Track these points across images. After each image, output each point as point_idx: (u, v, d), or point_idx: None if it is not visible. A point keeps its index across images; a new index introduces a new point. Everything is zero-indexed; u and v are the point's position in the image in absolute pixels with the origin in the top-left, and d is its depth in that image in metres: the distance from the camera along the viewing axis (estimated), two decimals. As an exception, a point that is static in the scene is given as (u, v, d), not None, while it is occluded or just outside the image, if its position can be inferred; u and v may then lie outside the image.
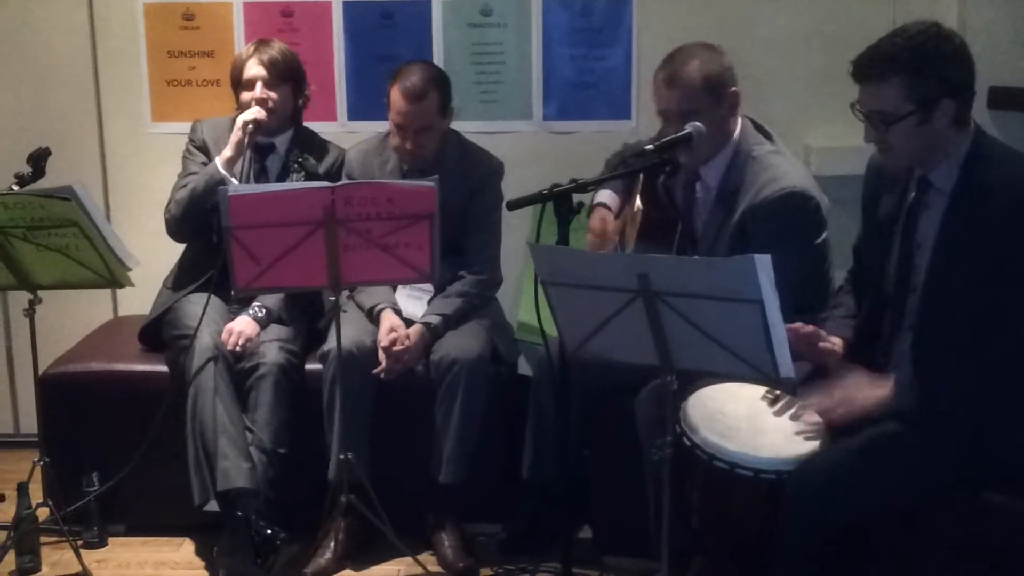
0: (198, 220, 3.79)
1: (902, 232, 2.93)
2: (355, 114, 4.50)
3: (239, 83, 3.90)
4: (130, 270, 3.51)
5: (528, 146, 4.46)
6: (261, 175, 3.94)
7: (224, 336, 3.71)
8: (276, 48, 3.93)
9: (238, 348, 3.69)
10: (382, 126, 4.00)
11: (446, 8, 4.46)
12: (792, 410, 2.91)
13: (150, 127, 4.50)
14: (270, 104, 3.86)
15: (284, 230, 3.23)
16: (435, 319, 3.78)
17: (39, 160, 3.61)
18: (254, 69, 3.87)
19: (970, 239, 2.75)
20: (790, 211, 3.26)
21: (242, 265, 3.26)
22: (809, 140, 4.42)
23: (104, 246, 3.39)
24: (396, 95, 3.78)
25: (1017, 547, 2.72)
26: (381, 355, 3.70)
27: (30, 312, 3.54)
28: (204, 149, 3.96)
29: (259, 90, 3.85)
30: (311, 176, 3.86)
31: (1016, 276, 2.70)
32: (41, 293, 3.55)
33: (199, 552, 3.74)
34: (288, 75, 3.92)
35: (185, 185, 3.87)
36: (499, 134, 4.44)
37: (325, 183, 3.41)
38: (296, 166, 3.91)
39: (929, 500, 2.75)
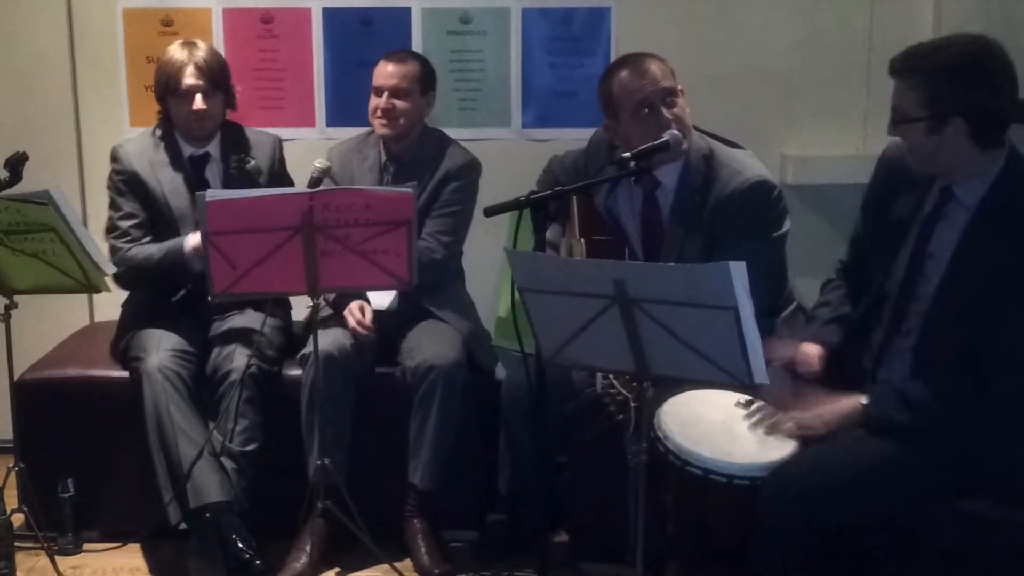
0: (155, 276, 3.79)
1: (916, 238, 2.92)
2: (334, 120, 4.50)
3: (174, 92, 3.76)
4: (107, 275, 3.50)
5: (506, 153, 4.47)
6: (203, 189, 3.75)
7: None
8: (206, 51, 3.82)
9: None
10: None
11: (426, 15, 4.47)
12: (766, 423, 2.92)
13: (128, 132, 4.48)
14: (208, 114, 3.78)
15: (262, 236, 3.22)
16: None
17: (16, 165, 3.59)
18: (191, 80, 3.74)
19: (989, 257, 2.76)
20: (758, 201, 3.30)
21: (219, 270, 3.25)
22: (785, 149, 4.44)
23: (81, 251, 3.38)
24: (379, 64, 3.92)
25: (993, 555, 2.74)
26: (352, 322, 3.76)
27: (6, 317, 3.53)
28: (134, 178, 3.84)
29: (199, 102, 3.74)
30: (253, 181, 3.82)
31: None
32: (17, 298, 3.53)
33: (174, 559, 3.72)
34: (222, 80, 3.83)
35: (128, 241, 3.78)
36: (478, 141, 4.43)
37: (303, 189, 3.42)
38: (235, 171, 3.85)
39: (904, 507, 2.77)
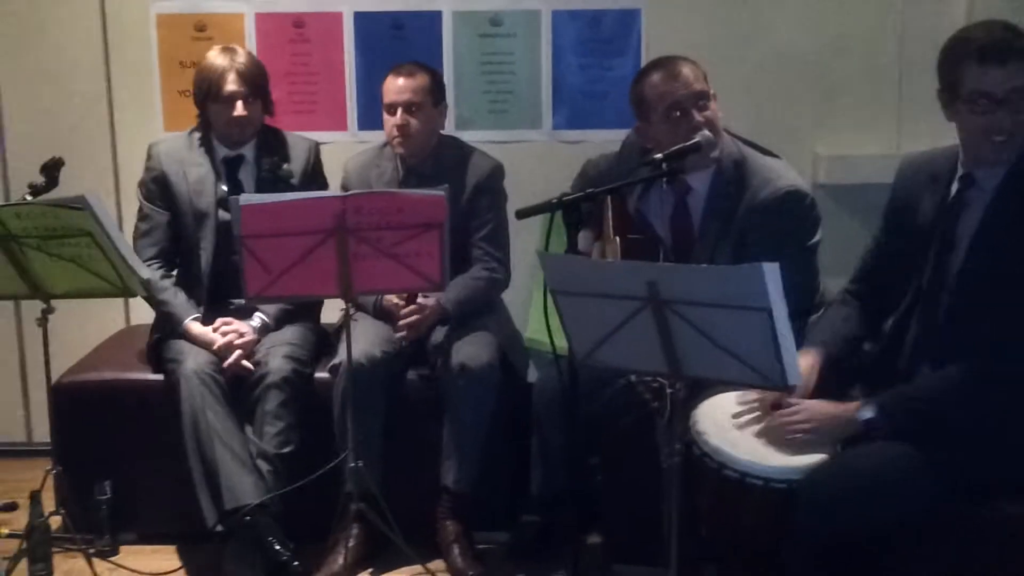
0: None
1: (941, 229, 2.91)
2: (365, 124, 4.52)
3: (216, 97, 3.80)
4: (143, 279, 3.53)
5: (538, 155, 4.48)
6: (236, 192, 3.83)
7: (223, 338, 3.73)
8: (246, 57, 3.85)
9: (234, 351, 3.72)
10: (391, 135, 4.04)
11: (456, 19, 4.48)
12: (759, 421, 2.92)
13: (162, 136, 4.51)
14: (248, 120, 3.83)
15: (295, 239, 3.24)
16: (444, 301, 3.80)
17: (52, 170, 3.63)
18: (232, 86, 3.78)
19: (1007, 238, 2.77)
20: (790, 211, 3.29)
21: (253, 273, 3.27)
22: (818, 149, 4.43)
23: (116, 256, 3.40)
24: (388, 78, 3.88)
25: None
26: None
27: (43, 321, 3.55)
28: (163, 179, 3.90)
29: (239, 108, 3.78)
30: (286, 184, 3.85)
31: None
32: (54, 302, 3.56)
33: (210, 561, 3.74)
34: (262, 86, 3.87)
35: (159, 283, 3.82)
36: (509, 143, 4.46)
37: (336, 192, 3.43)
38: (268, 174, 3.88)
39: (938, 512, 2.75)
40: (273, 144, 3.96)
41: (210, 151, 3.92)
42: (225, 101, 3.79)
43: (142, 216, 3.94)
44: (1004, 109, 2.75)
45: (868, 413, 2.82)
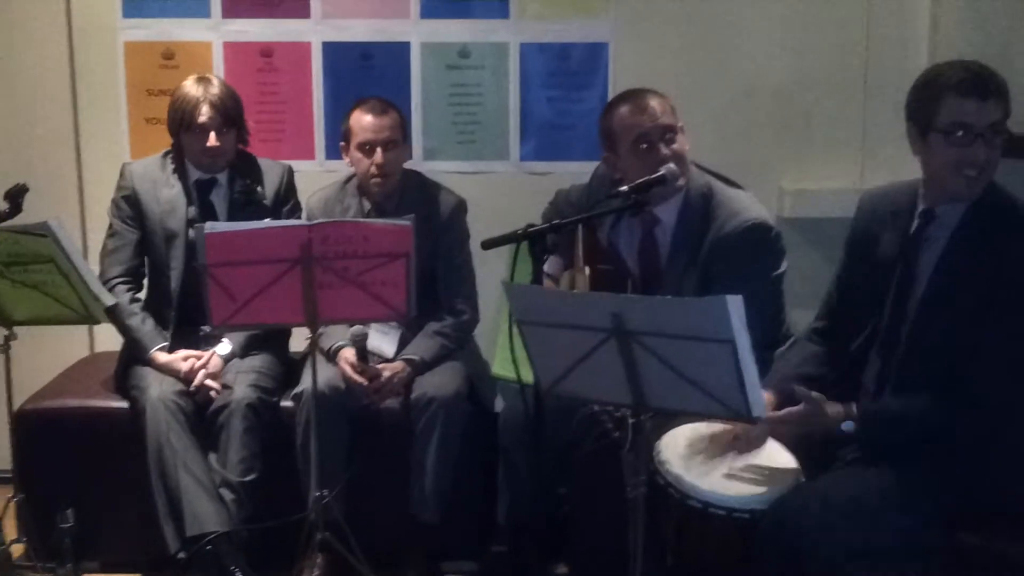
0: None
1: (902, 264, 2.94)
2: (333, 153, 4.51)
3: (189, 127, 3.80)
4: (106, 306, 3.51)
5: (505, 186, 4.50)
6: (208, 214, 3.88)
7: (188, 365, 3.73)
8: (220, 87, 3.85)
9: (198, 379, 3.71)
10: (360, 165, 4.05)
11: (425, 50, 4.50)
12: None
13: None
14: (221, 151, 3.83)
15: (261, 267, 3.24)
16: (415, 357, 3.80)
17: (16, 196, 3.61)
18: (205, 117, 3.78)
19: (966, 273, 2.80)
20: (755, 243, 3.32)
21: (219, 302, 3.27)
22: (783, 183, 4.46)
23: (80, 282, 3.39)
24: (358, 115, 3.87)
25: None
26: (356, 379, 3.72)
27: (5, 348, 3.54)
28: (134, 199, 3.90)
29: (212, 139, 3.79)
30: (258, 206, 3.85)
31: (1003, 317, 2.74)
32: (16, 329, 3.54)
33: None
34: (236, 117, 3.87)
35: (122, 308, 3.81)
36: (476, 174, 4.48)
37: (302, 222, 3.44)
38: (239, 196, 3.88)
39: (905, 541, 2.76)
40: (246, 168, 3.96)
41: (183, 174, 3.91)
42: (198, 131, 3.80)
43: (111, 234, 3.93)
44: (979, 143, 2.80)
45: (847, 427, 2.84)
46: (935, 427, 2.78)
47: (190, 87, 3.83)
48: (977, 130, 2.79)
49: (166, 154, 3.96)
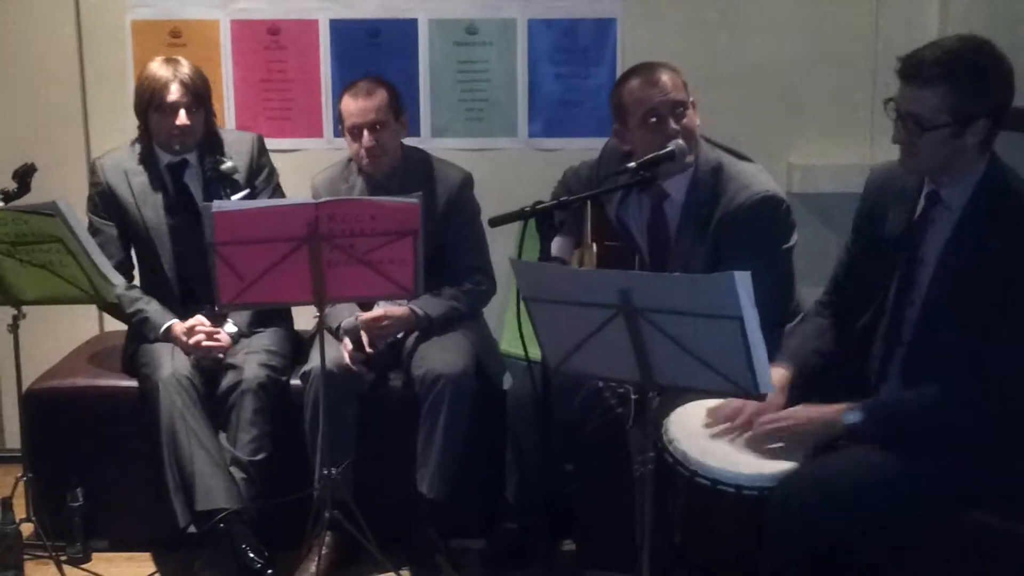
0: None
1: (907, 245, 2.93)
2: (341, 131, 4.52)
3: (159, 107, 3.76)
4: (114, 286, 3.52)
5: (513, 163, 4.49)
6: (182, 195, 3.87)
7: (193, 334, 3.73)
8: (189, 68, 3.81)
9: (203, 345, 3.72)
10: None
11: (432, 27, 4.48)
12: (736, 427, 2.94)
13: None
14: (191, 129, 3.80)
15: (268, 246, 3.23)
16: (420, 311, 3.80)
17: (24, 176, 3.62)
18: (175, 95, 3.75)
19: (974, 258, 2.77)
20: (765, 216, 3.30)
21: (226, 281, 3.27)
22: (792, 158, 4.45)
23: (88, 262, 3.39)
24: (346, 100, 3.84)
25: (996, 567, 2.73)
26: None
27: (14, 327, 3.54)
28: (108, 192, 3.88)
29: (183, 117, 3.76)
30: (231, 180, 3.82)
31: (1014, 301, 2.71)
32: (25, 308, 3.55)
33: (182, 568, 3.73)
34: (205, 97, 3.84)
35: (131, 298, 3.83)
36: (484, 151, 4.48)
37: (308, 199, 3.43)
38: (212, 172, 3.84)
39: (908, 517, 2.76)
40: (214, 144, 3.92)
41: (153, 160, 3.89)
42: (168, 111, 3.76)
43: (92, 231, 3.86)
44: (899, 125, 2.82)
45: (853, 417, 2.82)
46: (945, 420, 2.76)
47: (158, 67, 3.79)
48: (897, 112, 2.81)
49: (134, 142, 3.93)
